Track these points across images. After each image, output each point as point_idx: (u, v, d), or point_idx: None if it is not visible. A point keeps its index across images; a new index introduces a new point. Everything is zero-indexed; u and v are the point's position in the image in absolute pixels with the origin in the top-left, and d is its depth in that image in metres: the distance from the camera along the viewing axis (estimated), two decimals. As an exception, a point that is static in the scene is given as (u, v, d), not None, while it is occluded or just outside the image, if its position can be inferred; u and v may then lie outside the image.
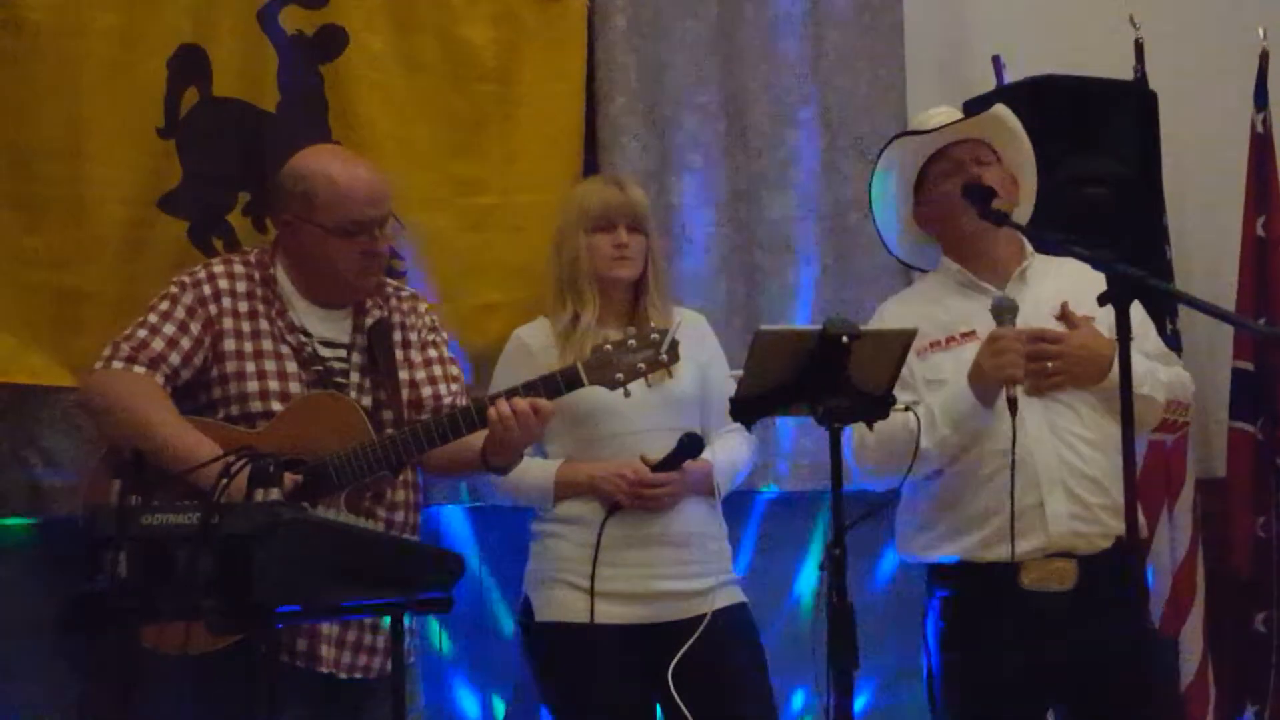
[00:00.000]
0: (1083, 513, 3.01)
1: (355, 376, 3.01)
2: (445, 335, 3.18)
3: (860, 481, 3.04)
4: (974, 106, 3.63)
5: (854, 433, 2.97)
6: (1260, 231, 4.23)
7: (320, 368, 2.97)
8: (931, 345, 3.08)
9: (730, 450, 3.26)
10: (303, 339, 2.99)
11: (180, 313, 2.94)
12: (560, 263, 3.26)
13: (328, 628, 2.89)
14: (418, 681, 3.36)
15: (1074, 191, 3.72)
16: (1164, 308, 3.78)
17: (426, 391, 3.07)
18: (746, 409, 2.74)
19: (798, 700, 3.75)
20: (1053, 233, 3.01)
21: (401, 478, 2.98)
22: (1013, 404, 2.91)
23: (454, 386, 3.11)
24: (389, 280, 3.15)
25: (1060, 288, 3.07)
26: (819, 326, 2.64)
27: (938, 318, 3.10)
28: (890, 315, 3.22)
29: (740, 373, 2.76)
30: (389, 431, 2.91)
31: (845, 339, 2.62)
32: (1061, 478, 3.01)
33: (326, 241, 2.94)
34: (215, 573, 2.22)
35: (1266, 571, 4.14)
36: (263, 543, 2.21)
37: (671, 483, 3.13)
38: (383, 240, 3.00)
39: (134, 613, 2.36)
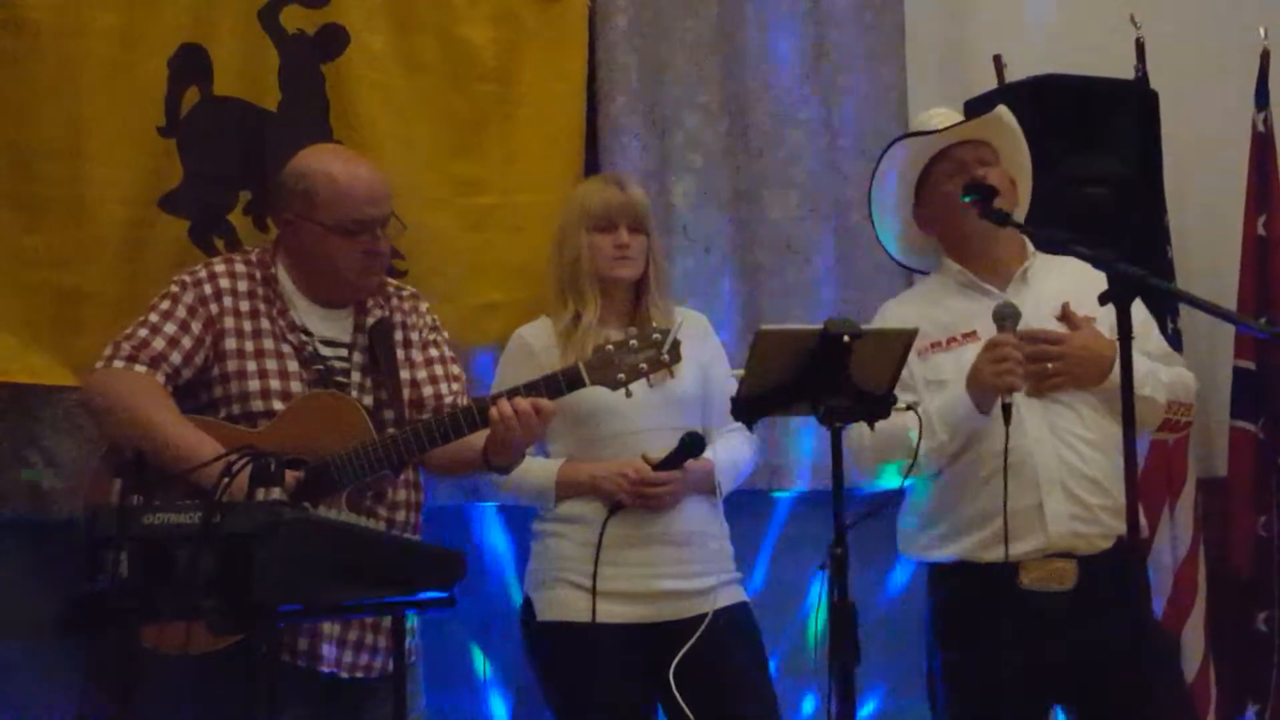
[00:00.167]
0: (1083, 513, 3.01)
1: (356, 376, 3.01)
2: (446, 334, 3.18)
3: (857, 481, 3.04)
4: (975, 106, 3.63)
5: (852, 433, 2.96)
6: (1261, 231, 4.23)
7: (321, 367, 2.97)
8: (932, 346, 3.08)
9: (731, 450, 3.26)
10: (304, 338, 2.98)
11: (181, 312, 2.94)
12: (561, 262, 3.26)
13: (329, 627, 2.89)
14: (419, 681, 3.36)
15: (1075, 191, 3.73)
16: (1165, 307, 3.78)
17: (427, 391, 3.07)
18: (747, 408, 2.74)
19: (808, 705, 3.74)
20: (1054, 232, 3.01)
21: (403, 477, 2.98)
22: (1007, 411, 2.90)
23: (455, 386, 3.11)
24: (390, 280, 3.15)
25: (1062, 288, 3.07)
26: (820, 326, 2.64)
27: (939, 319, 3.10)
28: (892, 315, 3.21)
29: (741, 372, 2.76)
30: (390, 431, 2.90)
31: (846, 338, 2.62)
32: (1061, 478, 3.01)
33: (328, 240, 2.94)
34: (216, 572, 2.22)
35: (1268, 571, 4.14)
36: (264, 542, 2.21)
37: (673, 482, 3.13)
38: (384, 239, 3.00)
39: (134, 613, 2.36)
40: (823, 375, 2.63)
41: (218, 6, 3.38)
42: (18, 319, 3.22)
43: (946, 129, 3.14)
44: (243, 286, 2.99)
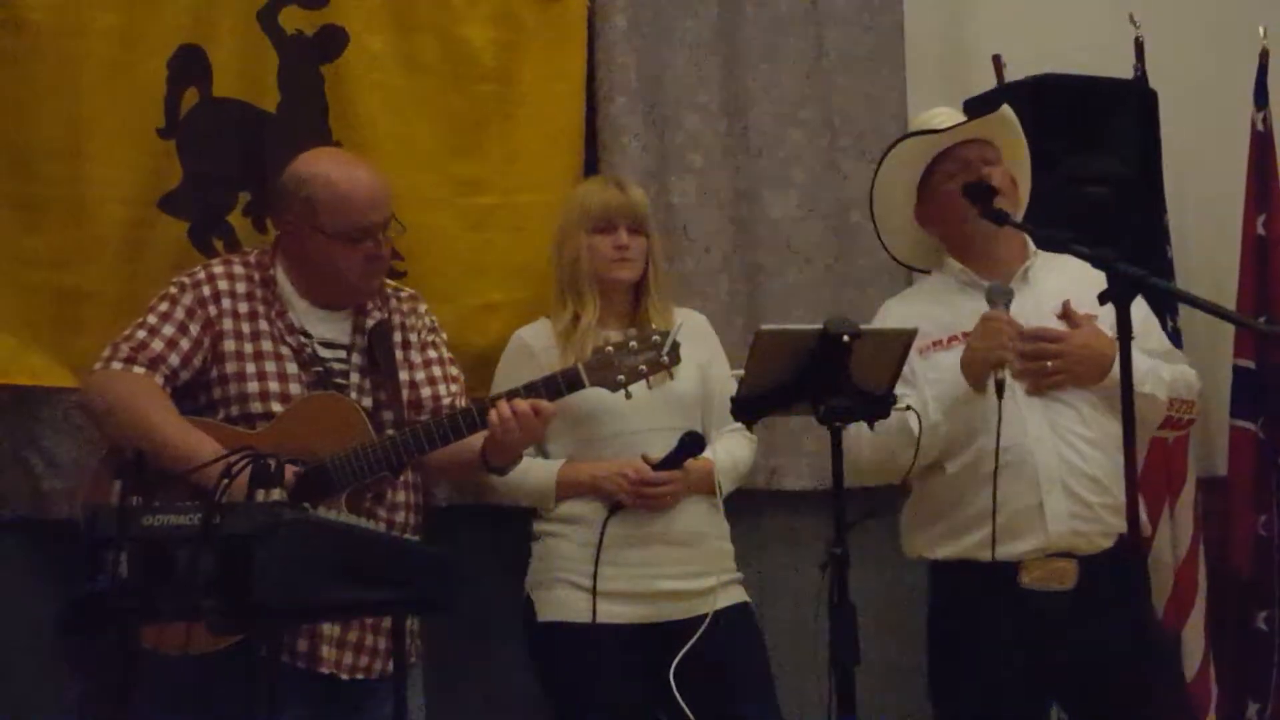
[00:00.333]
0: (1083, 512, 3.01)
1: (355, 377, 3.01)
2: (445, 336, 3.18)
3: (858, 479, 3.04)
4: (974, 106, 3.63)
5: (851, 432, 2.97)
6: (1261, 230, 4.22)
7: (320, 369, 2.98)
8: (934, 344, 3.08)
9: (731, 449, 3.26)
10: (303, 340, 2.98)
11: (180, 313, 2.94)
12: (561, 263, 3.26)
13: (328, 628, 2.89)
14: (419, 682, 3.36)
15: (1074, 191, 3.72)
16: (1164, 306, 3.78)
17: (426, 392, 3.07)
18: (747, 408, 2.74)
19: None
20: (1053, 231, 3.01)
21: (402, 478, 2.98)
22: (1000, 387, 2.90)
23: (454, 387, 3.11)
24: (389, 281, 3.15)
25: (1063, 287, 3.07)
26: (819, 326, 2.64)
27: (940, 317, 3.10)
28: (893, 314, 3.22)
29: (741, 372, 2.76)
30: (389, 432, 2.91)
31: (846, 338, 2.62)
32: (1061, 477, 3.01)
33: (330, 247, 2.94)
34: (216, 573, 2.22)
35: (1268, 570, 4.14)
36: (264, 543, 2.21)
37: (673, 482, 3.13)
38: (385, 244, 3.00)
39: (134, 613, 2.36)
40: (822, 375, 2.63)
41: (217, 7, 3.38)
42: (17, 320, 3.22)
43: (951, 128, 3.14)
44: (241, 288, 2.99)
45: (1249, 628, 4.13)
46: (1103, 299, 2.55)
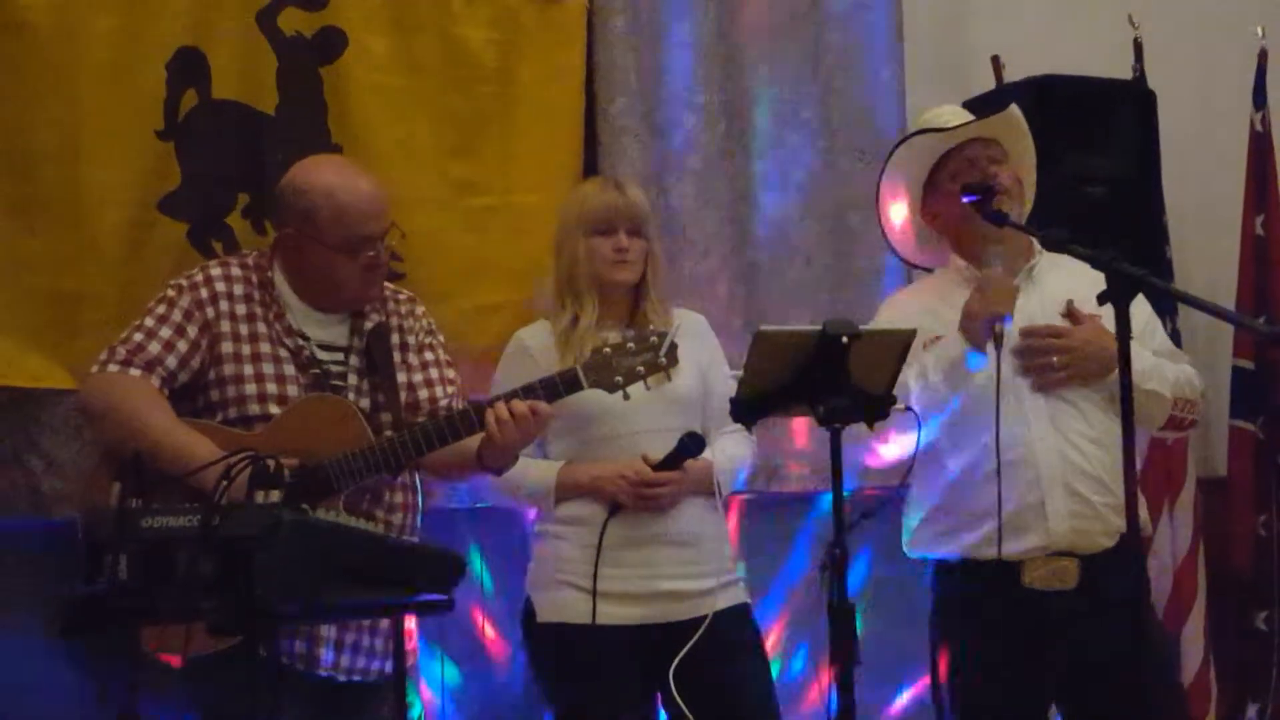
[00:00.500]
0: (1085, 510, 3.01)
1: (353, 379, 3.01)
2: (443, 338, 3.18)
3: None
4: (973, 106, 3.62)
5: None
6: (1259, 230, 4.23)
7: (318, 371, 2.97)
8: (937, 339, 3.08)
9: (731, 450, 3.26)
10: (301, 342, 2.98)
11: (177, 316, 2.93)
12: (560, 265, 3.26)
13: (326, 630, 2.89)
14: (417, 684, 3.36)
15: (1073, 191, 3.73)
16: (1164, 307, 3.78)
17: (424, 394, 3.07)
18: (746, 409, 2.74)
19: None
20: (1053, 232, 3.02)
21: (400, 480, 2.98)
22: (999, 339, 2.93)
23: (451, 389, 3.11)
24: (387, 284, 3.15)
25: (1067, 286, 3.08)
26: (819, 327, 2.64)
27: (944, 314, 3.10)
28: (900, 304, 3.24)
29: (740, 373, 2.76)
30: (387, 434, 2.91)
31: (845, 339, 2.62)
32: (1063, 476, 3.01)
33: (330, 257, 2.94)
34: (216, 575, 2.22)
35: (1268, 570, 4.14)
36: (264, 544, 2.21)
37: (672, 483, 3.13)
38: (385, 252, 2.99)
39: (135, 615, 2.36)
40: (822, 376, 2.63)
41: (216, 9, 3.38)
42: (16, 322, 3.22)
43: (959, 126, 3.14)
44: (239, 290, 2.98)
45: (1249, 628, 4.14)
46: (1102, 299, 2.55)
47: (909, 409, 2.84)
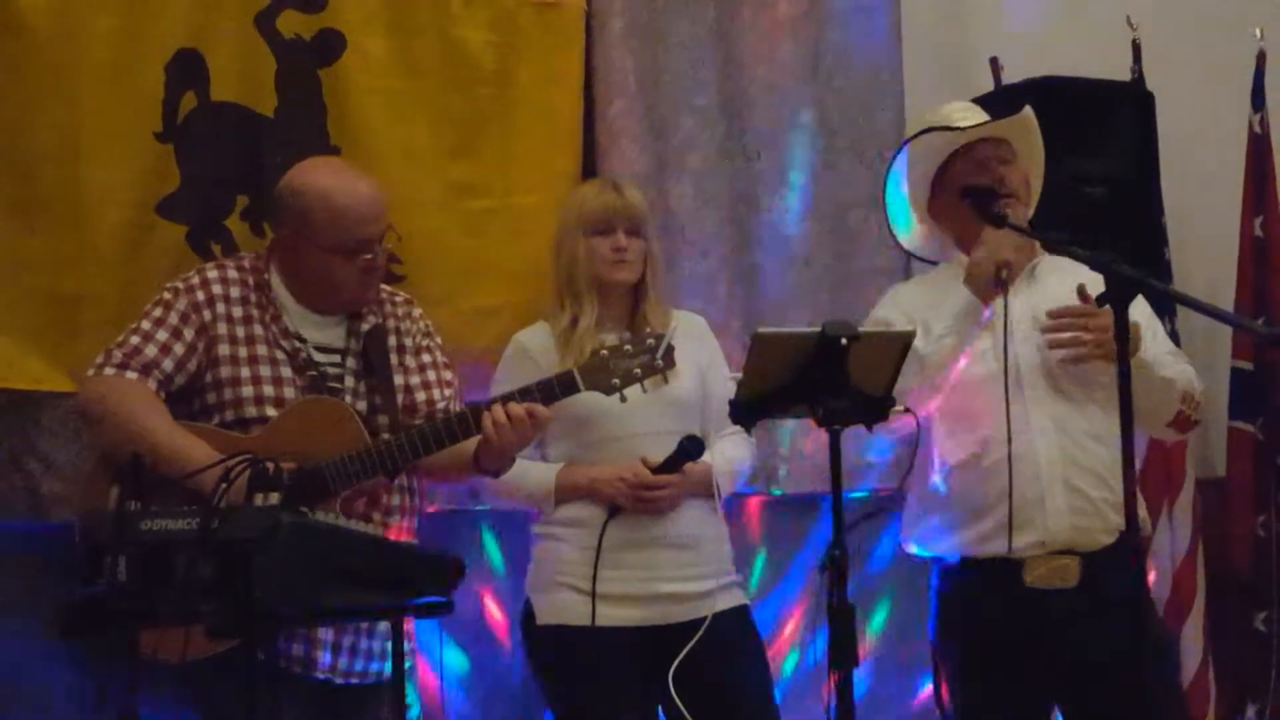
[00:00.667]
0: (1085, 506, 3.02)
1: (350, 382, 3.01)
2: (440, 340, 3.18)
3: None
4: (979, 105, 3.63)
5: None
6: (1258, 231, 4.22)
7: (315, 373, 2.97)
8: (940, 335, 3.09)
9: (730, 452, 3.26)
10: (297, 344, 2.98)
11: (173, 318, 2.93)
12: (559, 266, 3.26)
13: (323, 632, 2.89)
14: (416, 685, 3.36)
15: (1072, 192, 3.72)
16: (1163, 308, 3.78)
17: (421, 396, 3.07)
18: (746, 411, 2.74)
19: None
20: (1052, 233, 3.02)
21: (397, 482, 2.98)
22: (1004, 284, 2.96)
23: (448, 391, 3.11)
24: (384, 286, 3.15)
25: (1068, 287, 3.08)
26: (818, 328, 2.64)
27: (944, 308, 3.10)
28: (901, 294, 3.26)
29: (739, 375, 2.76)
30: (384, 437, 2.90)
31: (844, 341, 2.61)
32: (1063, 472, 3.02)
33: (326, 260, 2.94)
34: (215, 577, 2.22)
35: (1266, 571, 4.14)
36: (263, 547, 2.21)
37: (672, 485, 3.13)
38: (382, 254, 2.99)
39: (134, 617, 2.36)
40: (821, 378, 2.63)
41: (215, 11, 3.38)
42: (15, 324, 3.22)
43: (974, 126, 3.14)
44: (235, 292, 2.98)
45: (1248, 628, 4.13)
46: (1101, 300, 2.55)
47: (907, 410, 2.84)
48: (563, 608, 3.14)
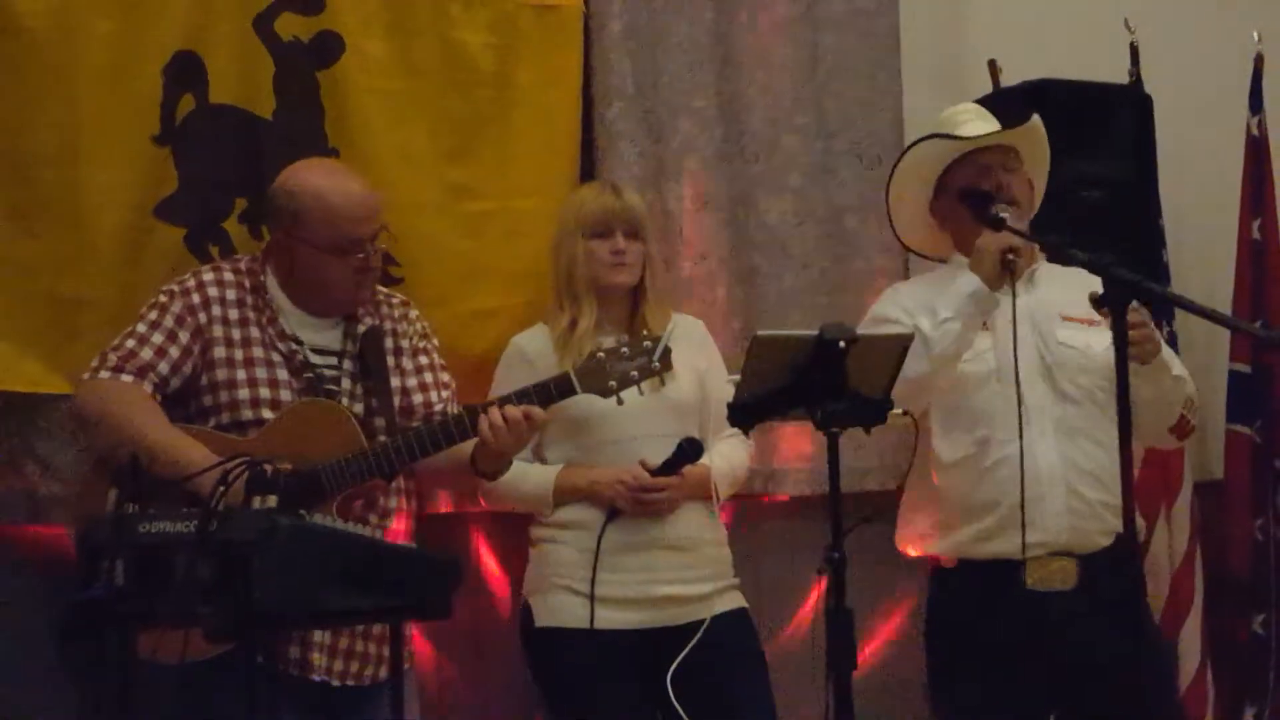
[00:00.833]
0: (1082, 508, 3.03)
1: (347, 384, 3.01)
2: (437, 342, 3.18)
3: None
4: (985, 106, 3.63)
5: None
6: (1256, 234, 4.22)
7: (311, 375, 2.98)
8: (945, 318, 3.09)
9: (728, 455, 3.26)
10: (294, 347, 2.98)
11: (169, 321, 2.94)
12: (558, 269, 3.27)
13: (319, 635, 2.89)
14: (414, 688, 3.35)
15: (1070, 195, 3.73)
16: (1160, 311, 3.78)
17: (418, 399, 3.07)
18: (744, 414, 2.74)
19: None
20: (1050, 236, 3.03)
21: (395, 484, 2.98)
22: (1011, 266, 2.98)
23: (445, 393, 3.11)
24: (380, 288, 3.15)
25: (1068, 290, 3.09)
26: (816, 331, 2.64)
27: (943, 310, 3.10)
28: (900, 293, 3.28)
29: (738, 377, 2.76)
30: (381, 439, 2.90)
31: (842, 343, 2.62)
32: (1063, 473, 3.02)
33: (319, 259, 2.94)
34: (213, 580, 2.22)
35: (1265, 573, 4.13)
36: (261, 550, 2.21)
37: (670, 487, 3.13)
38: (375, 254, 2.99)
39: (132, 620, 2.36)
40: (819, 380, 2.63)
41: (213, 14, 3.38)
42: (14, 327, 3.22)
43: (979, 137, 3.14)
44: (231, 295, 2.99)
45: (1246, 631, 4.13)
46: (1099, 303, 2.55)
47: (905, 413, 2.84)
48: (561, 610, 3.14)
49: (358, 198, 2.96)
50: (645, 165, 3.74)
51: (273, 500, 2.33)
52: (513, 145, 3.62)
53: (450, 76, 3.58)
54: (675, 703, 3.04)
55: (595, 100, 3.72)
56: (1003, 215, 3.02)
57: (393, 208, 3.15)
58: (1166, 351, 3.07)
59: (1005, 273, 3.00)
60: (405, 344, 3.10)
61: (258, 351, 2.95)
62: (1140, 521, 3.06)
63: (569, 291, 3.23)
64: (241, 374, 2.93)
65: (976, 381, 3.07)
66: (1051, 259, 3.20)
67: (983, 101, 3.78)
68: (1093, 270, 2.59)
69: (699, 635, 3.08)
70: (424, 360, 3.12)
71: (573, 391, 2.88)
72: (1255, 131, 4.23)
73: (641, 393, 2.89)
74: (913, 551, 3.21)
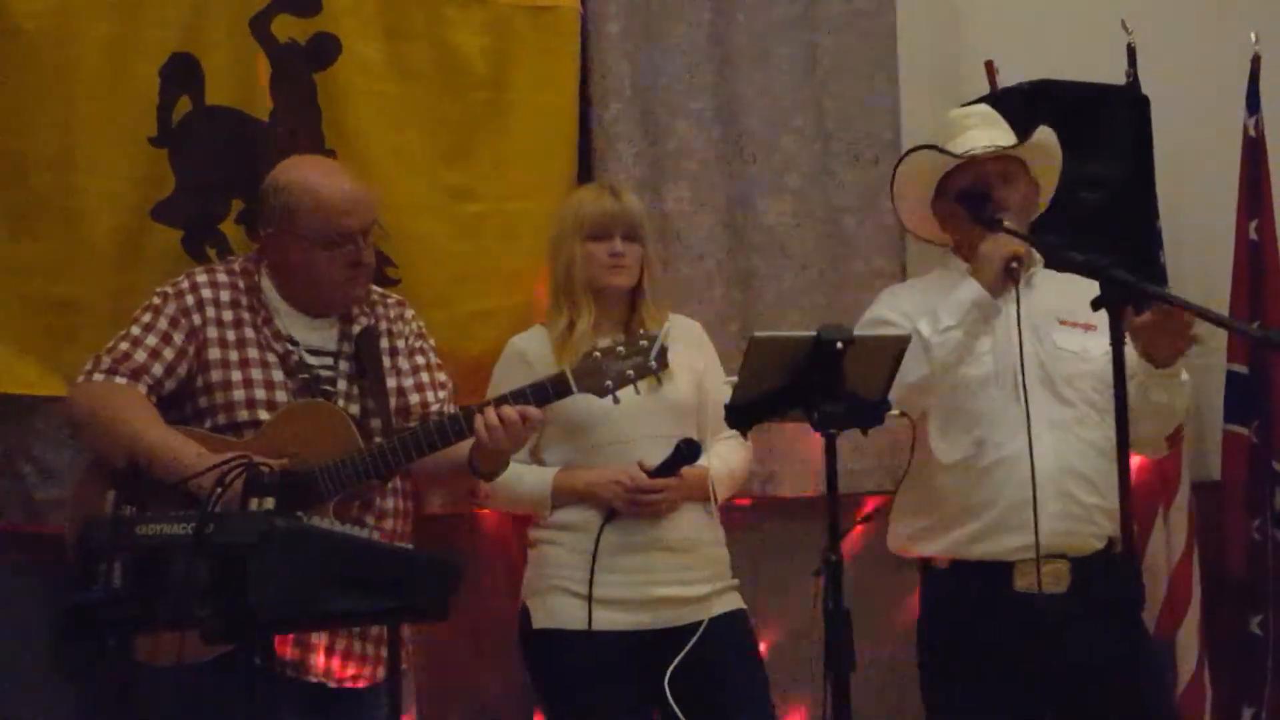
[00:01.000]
0: (1075, 511, 3.03)
1: (343, 384, 3.01)
2: (433, 342, 3.18)
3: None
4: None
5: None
6: (1253, 235, 4.22)
7: (307, 375, 2.97)
8: (947, 326, 3.09)
9: (726, 456, 3.26)
10: (289, 347, 2.98)
11: (163, 323, 2.93)
12: (556, 270, 3.27)
13: (317, 637, 2.89)
14: (412, 689, 3.35)
15: (1068, 196, 3.73)
16: (1143, 308, 3.78)
17: (414, 399, 3.07)
18: (742, 415, 2.74)
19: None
20: (1047, 238, 3.03)
21: (391, 485, 2.98)
22: (1014, 274, 2.97)
23: (442, 393, 3.11)
24: (375, 288, 3.15)
25: (1065, 293, 3.09)
26: (813, 333, 2.64)
27: (941, 312, 3.10)
28: (899, 294, 3.28)
29: (736, 379, 2.76)
30: (377, 440, 2.90)
31: (839, 345, 2.62)
32: (1057, 476, 3.02)
33: (310, 253, 2.94)
34: (211, 582, 2.22)
35: (1262, 574, 4.14)
36: (258, 552, 2.21)
37: (668, 489, 3.13)
38: (367, 249, 2.99)
39: (129, 623, 2.35)
40: (816, 382, 2.63)
41: (209, 16, 3.38)
42: (10, 329, 3.22)
43: (984, 150, 3.13)
44: (225, 296, 2.99)
45: (1243, 632, 4.13)
46: (1095, 305, 2.55)
47: (903, 414, 2.84)
48: (559, 612, 3.14)
49: (347, 190, 2.96)
50: (643, 166, 3.75)
51: (270, 502, 2.33)
52: (509, 147, 3.62)
53: (446, 78, 3.58)
54: (673, 704, 3.04)
55: (593, 101, 3.72)
56: (999, 215, 3.02)
57: (389, 209, 3.15)
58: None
59: (1008, 280, 3.00)
60: (401, 344, 3.10)
61: (253, 352, 2.95)
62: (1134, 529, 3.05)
63: (567, 293, 3.23)
64: (237, 375, 2.93)
65: (976, 384, 3.07)
66: (1049, 262, 3.20)
67: (979, 103, 3.78)
68: (1089, 271, 2.59)
69: (697, 637, 3.08)
70: (420, 360, 3.11)
71: (569, 391, 2.88)
72: (1252, 132, 4.23)
73: (638, 392, 2.89)
74: (905, 552, 3.21)
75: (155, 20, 3.34)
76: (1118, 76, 4.11)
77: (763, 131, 3.87)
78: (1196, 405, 3.95)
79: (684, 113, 3.81)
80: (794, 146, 3.89)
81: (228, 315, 2.97)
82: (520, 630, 3.23)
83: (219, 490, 2.30)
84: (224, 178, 3.39)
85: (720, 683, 3.14)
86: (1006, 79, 4.06)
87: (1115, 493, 2.56)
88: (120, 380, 2.88)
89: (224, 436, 2.89)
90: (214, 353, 2.94)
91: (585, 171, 3.70)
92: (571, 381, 2.87)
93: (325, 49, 3.45)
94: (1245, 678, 4.15)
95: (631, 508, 3.12)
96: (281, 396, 2.94)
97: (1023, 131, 3.26)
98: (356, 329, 3.04)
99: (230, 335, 2.96)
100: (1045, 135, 3.22)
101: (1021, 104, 3.72)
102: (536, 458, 3.23)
